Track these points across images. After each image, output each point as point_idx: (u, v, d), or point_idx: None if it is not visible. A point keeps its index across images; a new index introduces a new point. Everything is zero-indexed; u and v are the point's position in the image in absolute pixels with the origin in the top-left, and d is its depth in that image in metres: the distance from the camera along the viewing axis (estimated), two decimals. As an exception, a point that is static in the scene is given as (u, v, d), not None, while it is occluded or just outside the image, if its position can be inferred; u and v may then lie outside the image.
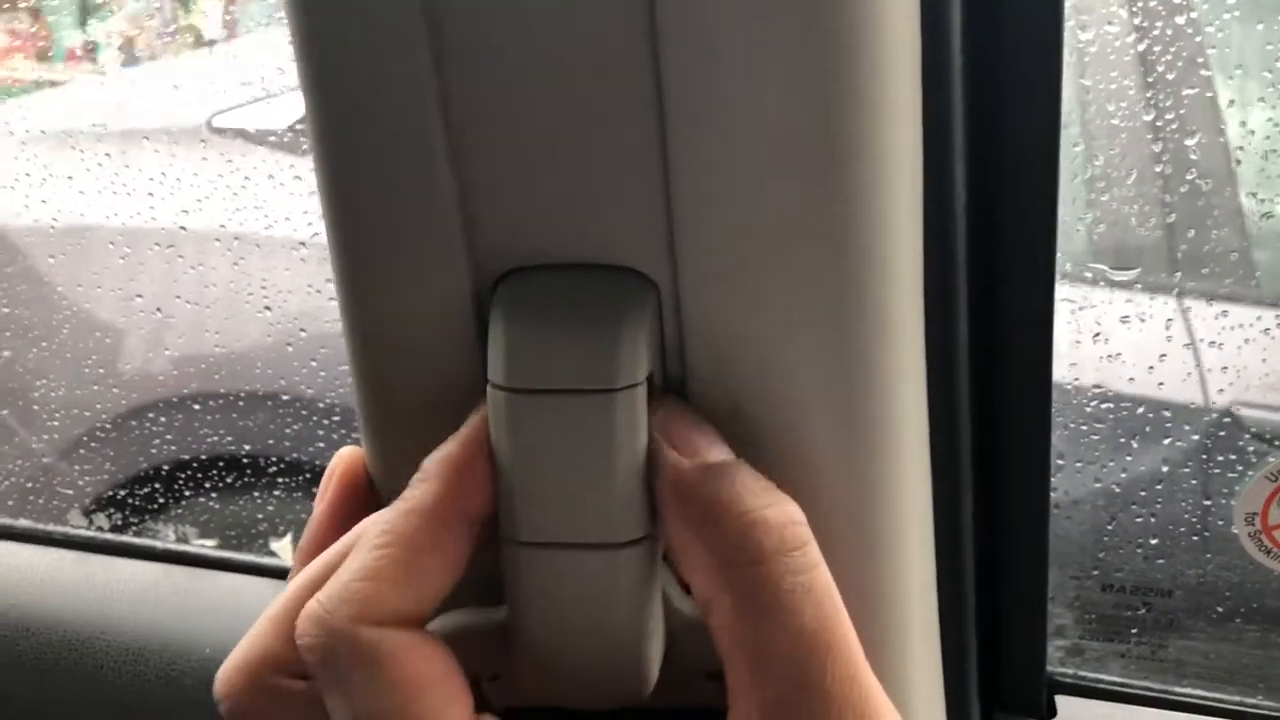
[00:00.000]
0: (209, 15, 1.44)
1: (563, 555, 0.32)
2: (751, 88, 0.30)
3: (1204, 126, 0.98)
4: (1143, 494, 0.92)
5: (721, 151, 0.31)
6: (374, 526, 0.32)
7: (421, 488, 0.32)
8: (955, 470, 0.40)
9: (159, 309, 1.22)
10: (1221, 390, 0.95)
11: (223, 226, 1.16)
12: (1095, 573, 0.83)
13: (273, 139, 1.21)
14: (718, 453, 0.33)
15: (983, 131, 0.39)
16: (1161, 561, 0.87)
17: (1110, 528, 0.89)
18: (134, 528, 1.20)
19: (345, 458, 0.38)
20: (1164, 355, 0.97)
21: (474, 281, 0.34)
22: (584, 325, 0.32)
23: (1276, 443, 0.95)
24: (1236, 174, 0.98)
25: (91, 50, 1.49)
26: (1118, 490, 0.91)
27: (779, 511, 0.31)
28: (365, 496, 0.38)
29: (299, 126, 1.19)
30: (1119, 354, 0.92)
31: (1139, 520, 0.91)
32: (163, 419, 1.24)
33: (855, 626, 0.32)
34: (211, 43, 1.43)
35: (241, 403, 1.23)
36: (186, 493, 1.20)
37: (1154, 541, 0.88)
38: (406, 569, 0.31)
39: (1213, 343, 0.94)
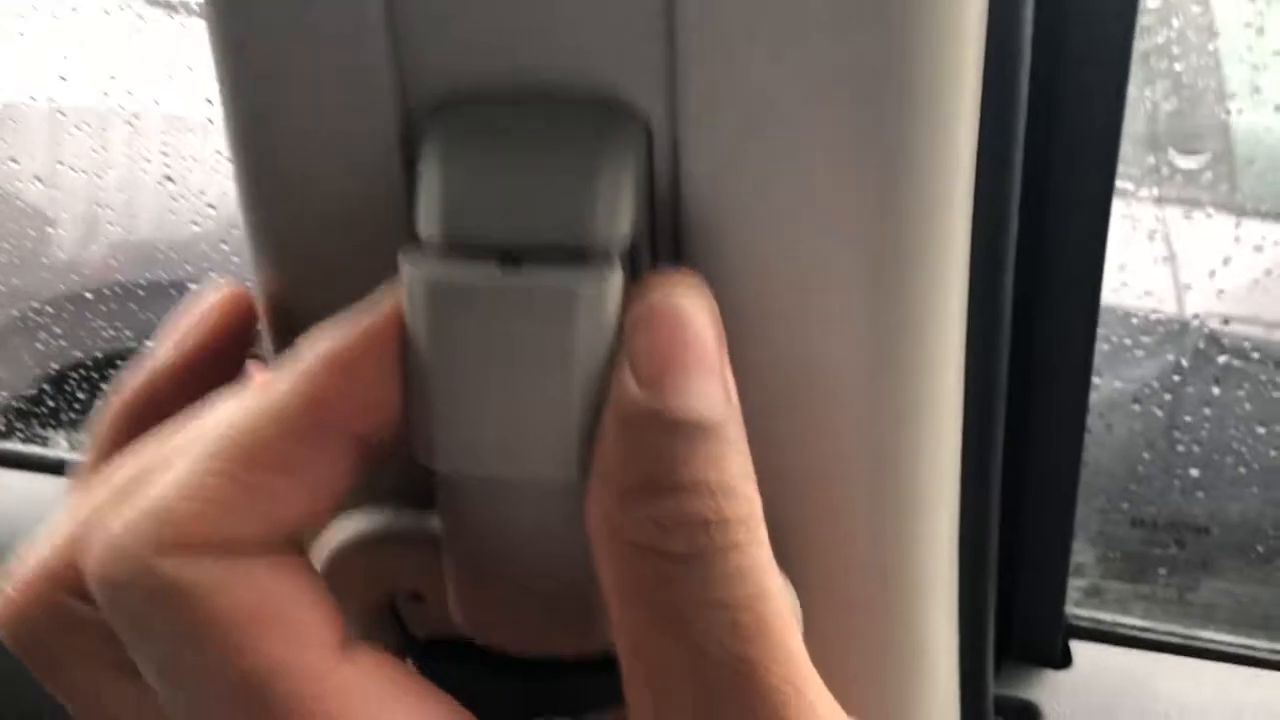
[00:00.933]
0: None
1: (499, 487, 0.25)
2: None
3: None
4: (1188, 419, 0.90)
5: None
6: (216, 423, 0.24)
7: (286, 384, 0.24)
8: (989, 394, 0.35)
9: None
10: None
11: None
12: (1124, 505, 0.81)
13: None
14: (693, 392, 0.23)
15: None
16: (1200, 495, 0.84)
17: (1146, 456, 0.87)
18: (21, 435, 1.14)
19: (232, 297, 0.29)
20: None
21: (401, 109, 0.25)
22: (546, 162, 0.24)
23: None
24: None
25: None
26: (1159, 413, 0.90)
27: (713, 504, 0.23)
28: (247, 355, 0.29)
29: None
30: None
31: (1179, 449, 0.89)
32: (56, 313, 1.17)
33: (873, 577, 0.28)
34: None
35: (142, 293, 1.16)
36: (80, 396, 1.14)
37: (1193, 473, 0.86)
38: (245, 490, 0.23)
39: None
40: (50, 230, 1.20)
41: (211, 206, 1.10)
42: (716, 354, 0.24)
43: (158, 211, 1.13)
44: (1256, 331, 0.93)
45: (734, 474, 0.23)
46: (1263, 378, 0.89)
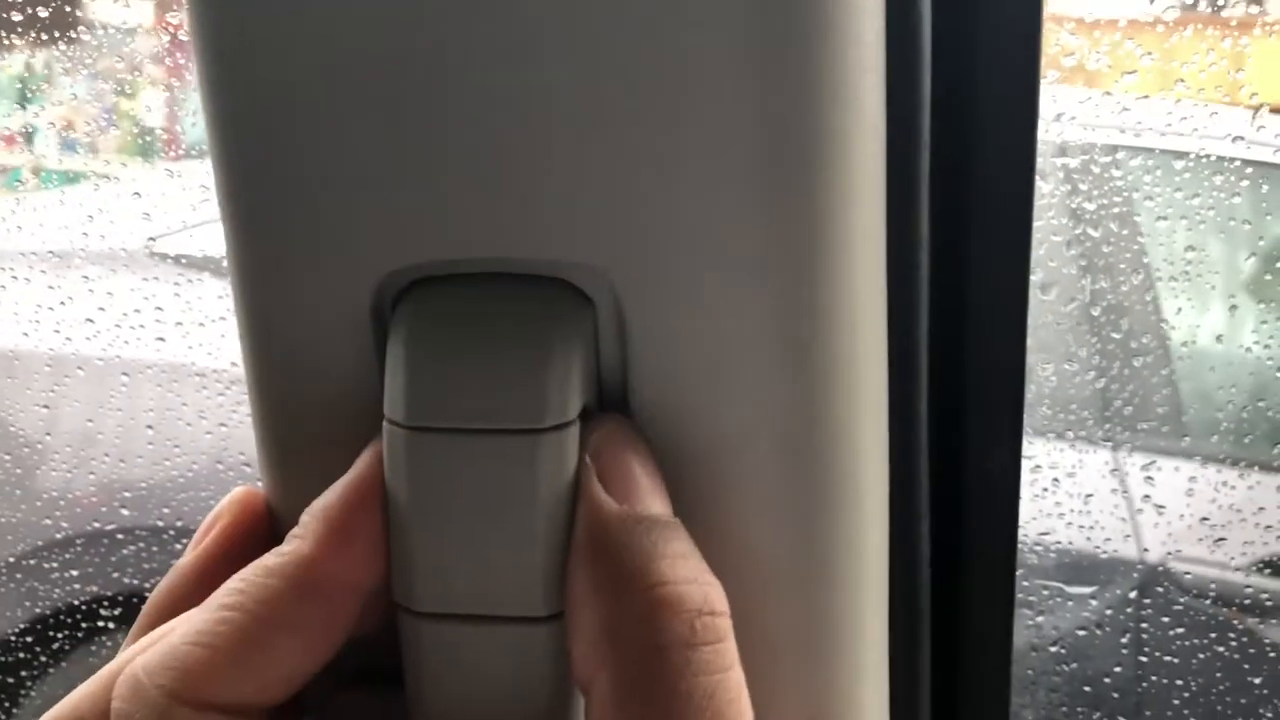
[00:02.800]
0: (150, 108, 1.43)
1: (470, 630, 0.27)
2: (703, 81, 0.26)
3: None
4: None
5: (673, 145, 0.26)
6: (229, 583, 0.26)
7: (291, 545, 0.26)
8: (913, 544, 0.37)
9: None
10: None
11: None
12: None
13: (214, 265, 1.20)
14: (654, 503, 0.27)
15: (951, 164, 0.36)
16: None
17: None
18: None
19: (241, 497, 0.31)
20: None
21: (374, 292, 0.28)
22: (503, 348, 0.26)
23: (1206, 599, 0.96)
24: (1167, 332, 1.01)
25: (28, 136, 1.47)
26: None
27: (699, 592, 0.25)
28: (264, 545, 0.31)
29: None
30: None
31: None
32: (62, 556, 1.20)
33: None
34: (151, 131, 1.41)
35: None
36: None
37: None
38: (253, 644, 0.25)
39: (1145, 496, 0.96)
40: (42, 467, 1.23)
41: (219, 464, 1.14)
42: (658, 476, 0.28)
43: (144, 455, 1.17)
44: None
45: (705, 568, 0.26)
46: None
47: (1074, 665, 0.93)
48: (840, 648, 0.31)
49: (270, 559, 0.26)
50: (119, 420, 1.17)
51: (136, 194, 1.25)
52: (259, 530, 0.31)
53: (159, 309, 1.16)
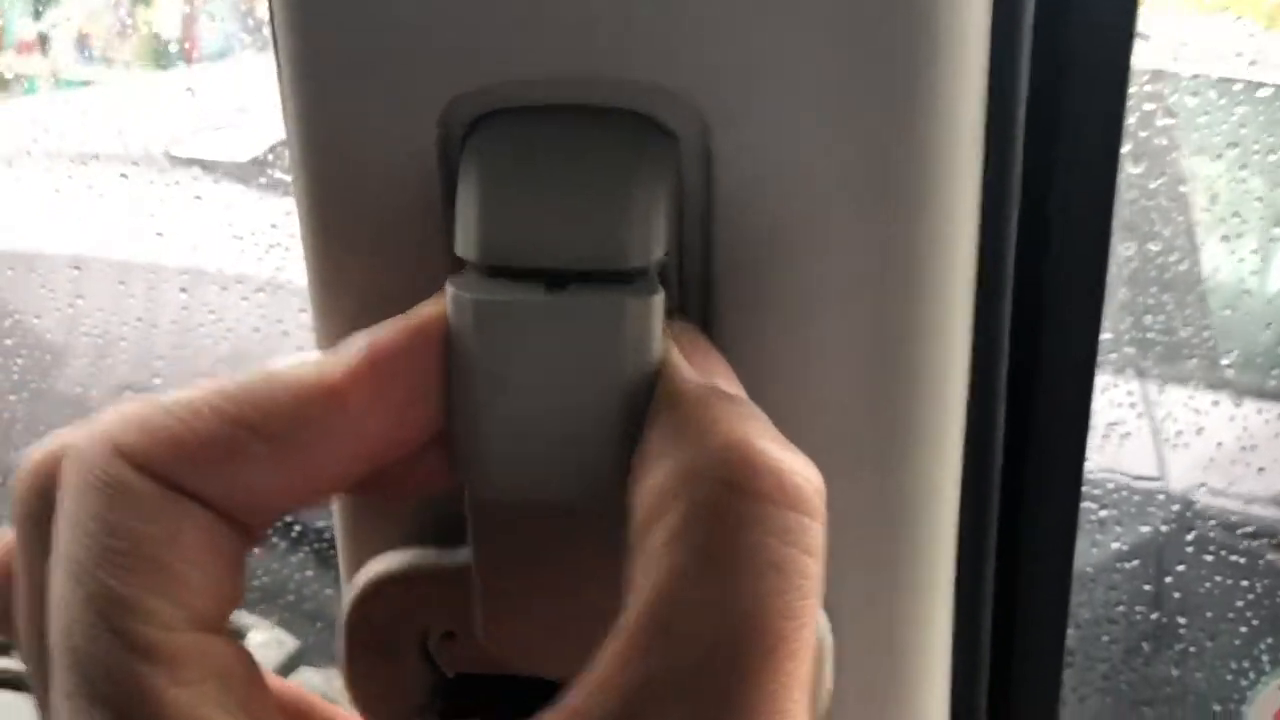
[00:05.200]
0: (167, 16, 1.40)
1: (537, 510, 0.25)
2: None
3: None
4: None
5: None
6: (231, 379, 0.23)
7: (317, 363, 0.23)
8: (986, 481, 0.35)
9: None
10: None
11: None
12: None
13: (234, 170, 1.19)
14: (733, 388, 0.24)
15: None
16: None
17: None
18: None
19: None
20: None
21: (440, 121, 0.26)
22: (583, 182, 0.24)
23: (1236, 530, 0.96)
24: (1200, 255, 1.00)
25: (44, 42, 1.45)
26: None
27: (797, 460, 0.22)
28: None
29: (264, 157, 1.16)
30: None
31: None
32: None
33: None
34: (168, 44, 1.39)
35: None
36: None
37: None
38: (231, 446, 0.22)
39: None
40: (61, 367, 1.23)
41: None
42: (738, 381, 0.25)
43: (164, 358, 1.16)
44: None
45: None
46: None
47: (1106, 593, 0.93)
48: (913, 531, 0.30)
49: (290, 369, 0.23)
50: (138, 325, 1.16)
51: (155, 99, 1.23)
52: None
53: (179, 214, 1.15)
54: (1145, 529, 0.95)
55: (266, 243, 1.08)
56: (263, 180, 1.14)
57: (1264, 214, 0.95)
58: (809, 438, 0.26)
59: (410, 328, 0.24)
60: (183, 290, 1.13)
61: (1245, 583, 0.90)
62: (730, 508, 0.21)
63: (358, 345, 0.24)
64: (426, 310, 0.24)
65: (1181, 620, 0.91)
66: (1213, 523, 0.95)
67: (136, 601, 0.21)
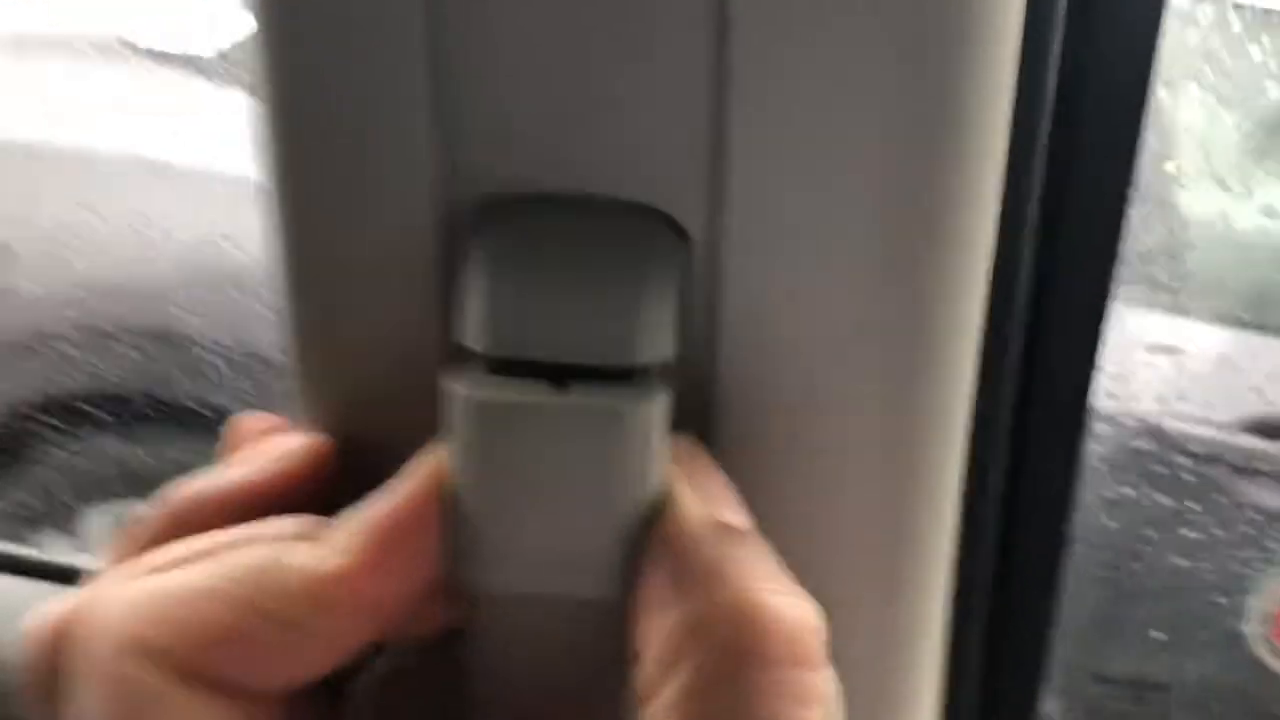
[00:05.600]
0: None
1: (535, 606, 0.25)
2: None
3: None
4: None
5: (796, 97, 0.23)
6: (244, 555, 0.24)
7: (324, 553, 0.24)
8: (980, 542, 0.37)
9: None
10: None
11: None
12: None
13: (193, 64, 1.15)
14: (736, 517, 0.25)
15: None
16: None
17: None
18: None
19: (316, 447, 0.28)
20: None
21: (443, 202, 0.25)
22: (595, 276, 0.24)
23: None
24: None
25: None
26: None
27: (797, 607, 0.22)
28: (307, 502, 0.27)
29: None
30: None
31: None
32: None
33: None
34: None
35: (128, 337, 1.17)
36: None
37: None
38: (246, 634, 0.23)
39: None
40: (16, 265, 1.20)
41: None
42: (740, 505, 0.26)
43: (128, 254, 1.14)
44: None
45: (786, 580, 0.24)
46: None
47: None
48: (910, 604, 0.30)
49: (301, 555, 0.24)
50: (95, 218, 1.13)
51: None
52: (317, 491, 0.28)
53: (132, 102, 1.12)
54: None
55: (229, 138, 1.05)
56: (227, 75, 1.11)
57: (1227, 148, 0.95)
58: (814, 546, 0.27)
59: (406, 503, 0.24)
60: (137, 183, 1.10)
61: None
62: (742, 676, 0.22)
63: (359, 527, 0.24)
64: (422, 472, 0.24)
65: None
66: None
67: None
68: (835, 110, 0.24)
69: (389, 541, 0.24)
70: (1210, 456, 0.94)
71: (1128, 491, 0.93)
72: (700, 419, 0.27)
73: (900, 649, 0.31)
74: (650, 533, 0.24)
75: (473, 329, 0.24)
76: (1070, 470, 0.40)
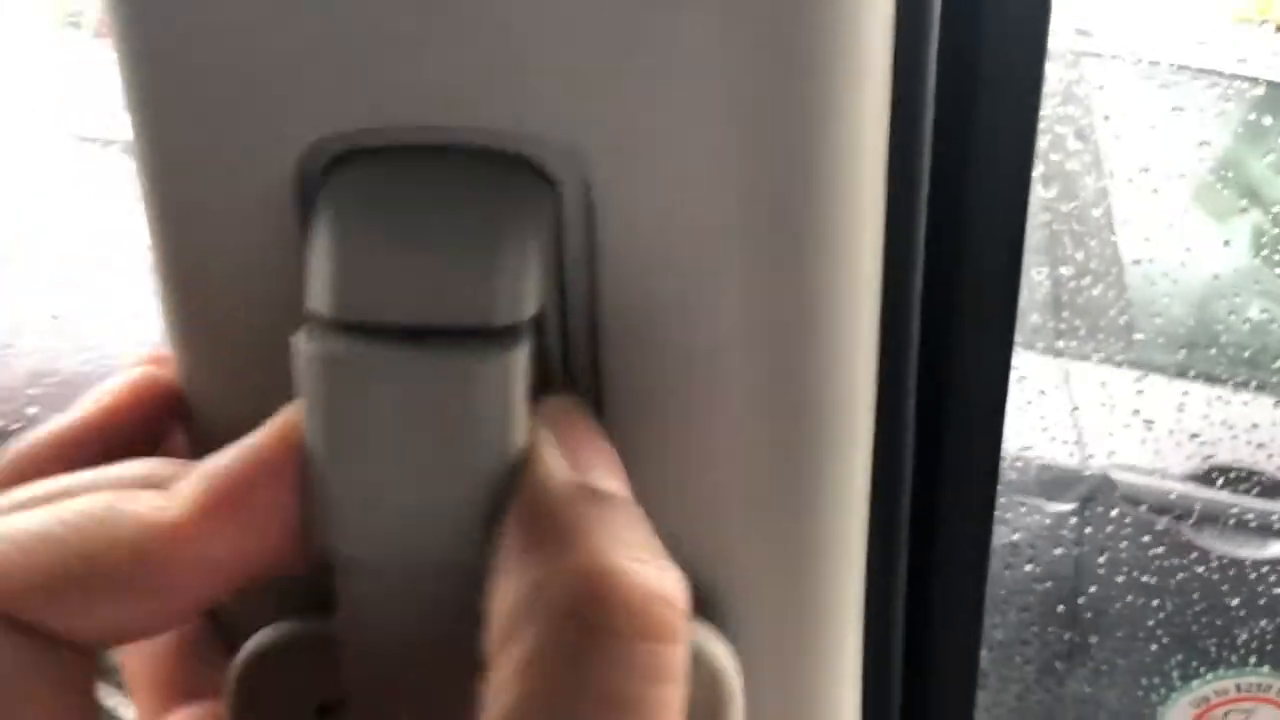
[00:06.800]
0: None
1: (394, 574, 0.24)
2: None
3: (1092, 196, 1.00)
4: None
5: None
6: (80, 501, 0.23)
7: (159, 504, 0.23)
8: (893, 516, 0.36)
9: None
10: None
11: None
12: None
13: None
14: (608, 481, 0.23)
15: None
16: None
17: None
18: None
19: (148, 377, 0.27)
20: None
21: (298, 163, 0.24)
22: (449, 231, 0.23)
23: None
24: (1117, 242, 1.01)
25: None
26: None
27: (655, 576, 0.21)
28: (150, 435, 0.26)
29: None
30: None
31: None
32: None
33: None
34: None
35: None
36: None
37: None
38: (71, 580, 0.22)
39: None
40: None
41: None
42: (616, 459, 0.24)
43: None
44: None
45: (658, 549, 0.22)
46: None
47: (1028, 568, 0.95)
48: (819, 581, 0.29)
49: (138, 503, 0.23)
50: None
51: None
52: (157, 423, 0.27)
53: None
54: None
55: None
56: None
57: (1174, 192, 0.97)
58: (708, 491, 0.26)
59: (256, 456, 0.23)
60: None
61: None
62: (578, 646, 0.20)
63: (199, 479, 0.23)
64: (276, 428, 0.23)
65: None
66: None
67: None
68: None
69: (231, 495, 0.23)
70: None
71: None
72: (586, 370, 0.25)
73: (810, 659, 0.30)
74: (509, 495, 0.22)
75: (319, 292, 0.23)
76: (987, 481, 0.40)
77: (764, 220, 0.25)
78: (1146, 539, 0.95)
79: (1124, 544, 0.94)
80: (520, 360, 0.23)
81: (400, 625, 0.25)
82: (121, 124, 0.26)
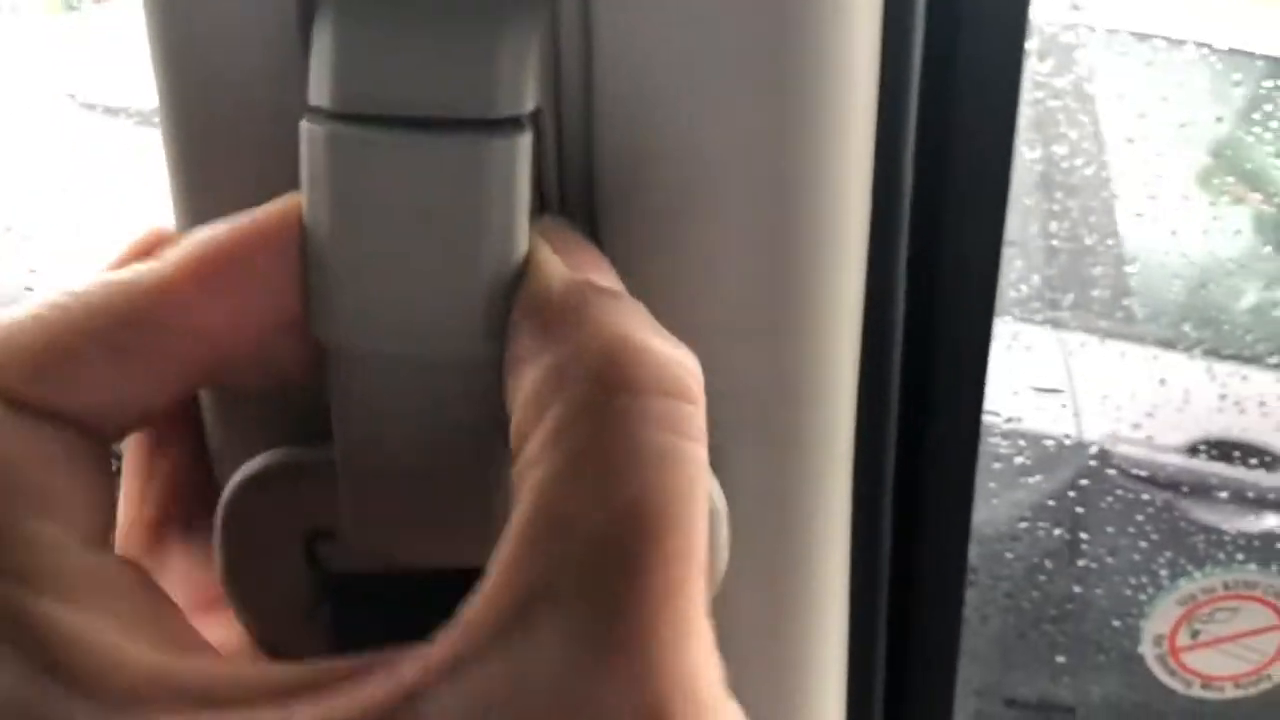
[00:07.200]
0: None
1: (397, 367, 0.24)
2: None
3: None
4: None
5: None
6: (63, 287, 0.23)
7: (150, 263, 0.23)
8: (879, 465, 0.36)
9: None
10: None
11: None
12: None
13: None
14: (607, 281, 0.24)
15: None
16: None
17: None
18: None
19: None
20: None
21: None
22: (450, 25, 0.23)
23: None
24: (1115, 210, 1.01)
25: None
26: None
27: (668, 348, 0.21)
28: None
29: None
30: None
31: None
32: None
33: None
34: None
35: None
36: None
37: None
38: (62, 351, 0.22)
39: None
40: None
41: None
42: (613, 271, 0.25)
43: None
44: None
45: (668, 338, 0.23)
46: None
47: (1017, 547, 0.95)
48: (802, 512, 0.29)
49: (127, 271, 0.23)
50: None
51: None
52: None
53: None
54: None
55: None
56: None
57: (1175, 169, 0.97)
58: (697, 320, 0.25)
59: (253, 226, 0.23)
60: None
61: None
62: (607, 405, 0.20)
63: (192, 243, 0.23)
64: (276, 206, 0.23)
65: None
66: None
67: (11, 529, 0.21)
68: None
69: (225, 259, 0.23)
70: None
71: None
72: (580, 173, 0.26)
73: (795, 647, 0.30)
74: (516, 292, 0.23)
75: (321, 85, 0.23)
76: (967, 463, 0.40)
77: (762, 50, 0.25)
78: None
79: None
80: (522, 148, 0.23)
81: (398, 429, 0.24)
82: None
